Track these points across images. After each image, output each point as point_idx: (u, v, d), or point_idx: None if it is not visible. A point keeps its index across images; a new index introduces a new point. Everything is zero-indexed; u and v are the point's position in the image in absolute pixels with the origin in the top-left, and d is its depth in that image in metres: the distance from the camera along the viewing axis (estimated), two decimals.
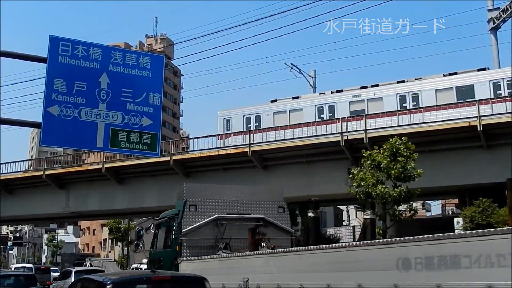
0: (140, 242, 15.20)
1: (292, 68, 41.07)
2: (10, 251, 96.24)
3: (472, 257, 5.33)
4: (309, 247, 9.56)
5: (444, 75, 27.57)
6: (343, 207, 53.53)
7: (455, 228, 23.85)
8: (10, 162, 38.29)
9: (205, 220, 12.78)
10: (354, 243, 8.28)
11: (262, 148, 28.50)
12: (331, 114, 28.79)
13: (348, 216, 55.21)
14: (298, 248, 10.54)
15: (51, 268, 42.11)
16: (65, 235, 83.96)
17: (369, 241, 8.35)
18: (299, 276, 7.91)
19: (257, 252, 10.80)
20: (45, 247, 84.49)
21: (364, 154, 20.25)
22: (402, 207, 20.25)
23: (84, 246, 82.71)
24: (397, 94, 27.43)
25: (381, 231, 20.05)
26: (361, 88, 29.17)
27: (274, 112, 30.58)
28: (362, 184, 19.55)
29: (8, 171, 37.58)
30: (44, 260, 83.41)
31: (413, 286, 5.87)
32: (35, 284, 17.29)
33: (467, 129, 23.69)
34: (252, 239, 12.10)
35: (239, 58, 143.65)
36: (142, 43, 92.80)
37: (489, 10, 35.29)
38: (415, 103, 26.74)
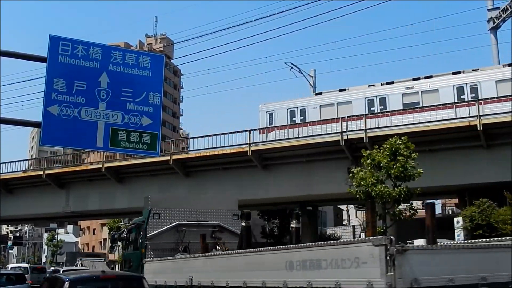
0: (115, 245, 17.27)
1: (292, 67, 41.07)
2: (10, 251, 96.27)
3: (328, 260, 7.44)
4: (232, 251, 11.79)
5: (503, 66, 26.70)
6: (343, 207, 53.56)
7: (455, 228, 23.86)
8: (10, 162, 38.36)
9: (167, 227, 14.81)
10: (260, 249, 10.34)
11: (262, 148, 28.51)
12: (382, 107, 27.72)
13: (348, 216, 55.24)
14: (225, 252, 12.72)
15: (46, 268, 42.33)
16: (65, 235, 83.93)
17: (269, 247, 10.47)
18: (226, 275, 10.10)
19: (196, 255, 12.90)
20: (45, 247, 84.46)
21: (364, 154, 20.25)
22: (402, 206, 20.25)
23: (84, 245, 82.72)
24: (454, 85, 26.24)
25: (381, 230, 20.02)
26: (413, 80, 28.01)
27: (320, 105, 29.43)
28: (362, 183, 19.53)
29: (8, 171, 37.61)
30: (44, 259, 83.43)
31: (295, 281, 7.97)
32: (24, 282, 21.01)
33: (467, 129, 23.70)
34: (202, 243, 13.66)
35: (239, 58, 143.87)
36: (142, 43, 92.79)
37: (489, 10, 35.34)
38: (473, 94, 25.51)
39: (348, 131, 26.01)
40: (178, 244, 14.69)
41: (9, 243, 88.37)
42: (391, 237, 6.66)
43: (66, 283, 8.92)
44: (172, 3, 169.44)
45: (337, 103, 28.96)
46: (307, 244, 8.43)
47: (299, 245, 8.99)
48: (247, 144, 28.26)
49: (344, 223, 52.94)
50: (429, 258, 7.07)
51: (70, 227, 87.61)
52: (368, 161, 19.74)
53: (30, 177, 37.61)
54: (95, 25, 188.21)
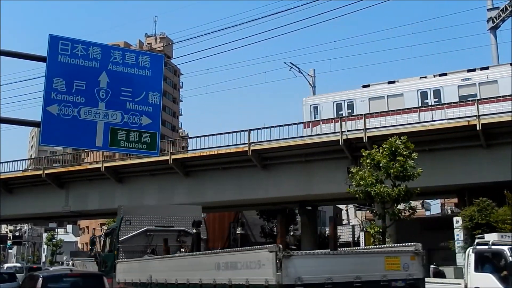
0: (94, 247, 20.07)
1: (291, 67, 41.05)
2: (9, 250, 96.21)
3: (242, 263, 9.38)
4: (178, 254, 14.44)
5: None
6: (343, 206, 53.55)
7: (455, 227, 23.87)
8: (10, 161, 38.38)
9: (137, 232, 16.76)
10: (198, 253, 13.23)
11: (262, 148, 28.51)
12: (436, 100, 26.39)
13: (348, 216, 55.25)
14: (175, 255, 14.89)
15: (42, 267, 42.78)
16: (65, 234, 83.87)
17: (204, 252, 13.16)
18: (175, 274, 12.07)
19: (153, 257, 15.18)
20: (44, 246, 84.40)
21: (363, 154, 20.26)
22: (402, 206, 20.27)
23: (83, 245, 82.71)
24: None
25: (380, 230, 20.06)
26: (469, 71, 26.84)
27: (369, 98, 28.16)
28: (362, 183, 19.57)
29: (8, 170, 37.63)
30: (43, 259, 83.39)
31: (221, 278, 9.93)
32: (14, 280, 23.62)
33: (466, 128, 23.71)
34: (165, 246, 15.76)
35: (239, 57, 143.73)
36: (141, 42, 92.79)
37: (489, 10, 35.35)
38: None
39: (348, 130, 26.00)
40: (147, 247, 16.59)
41: (9, 242, 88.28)
42: (280, 245, 8.57)
43: (40, 279, 11.08)
44: (172, 3, 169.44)
45: (387, 96, 27.78)
46: (227, 250, 11.79)
47: (224, 250, 12.31)
48: (246, 143, 28.27)
49: (343, 222, 52.94)
50: (311, 261, 9.20)
51: (69, 227, 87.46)
52: (368, 161, 19.76)
53: (29, 176, 37.61)
54: (94, 25, 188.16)
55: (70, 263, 42.82)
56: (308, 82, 41.83)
